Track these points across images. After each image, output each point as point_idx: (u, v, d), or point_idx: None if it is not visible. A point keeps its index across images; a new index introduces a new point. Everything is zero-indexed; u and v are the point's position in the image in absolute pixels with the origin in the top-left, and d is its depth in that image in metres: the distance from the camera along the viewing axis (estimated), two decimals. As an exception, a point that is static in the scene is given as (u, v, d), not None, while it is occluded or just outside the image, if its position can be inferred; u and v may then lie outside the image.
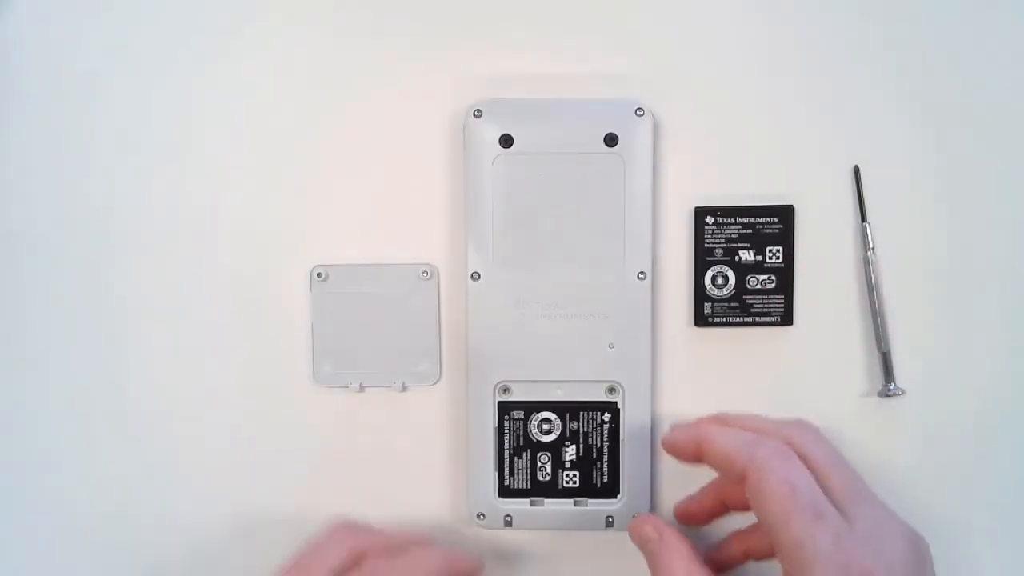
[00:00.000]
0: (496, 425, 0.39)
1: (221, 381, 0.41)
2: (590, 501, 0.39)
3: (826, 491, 0.32)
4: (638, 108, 0.38)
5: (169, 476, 0.41)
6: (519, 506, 0.39)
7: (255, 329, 0.41)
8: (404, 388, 0.40)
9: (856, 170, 0.39)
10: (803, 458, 0.33)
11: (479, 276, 0.39)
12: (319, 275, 0.40)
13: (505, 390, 0.39)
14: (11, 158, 0.41)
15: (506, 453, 0.39)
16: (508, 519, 0.39)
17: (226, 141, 0.40)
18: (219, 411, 0.41)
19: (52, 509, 0.41)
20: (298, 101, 0.40)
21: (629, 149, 0.38)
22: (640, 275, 0.39)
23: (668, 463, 0.40)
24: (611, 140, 0.38)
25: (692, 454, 0.35)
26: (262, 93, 0.40)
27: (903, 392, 0.39)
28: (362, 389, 0.40)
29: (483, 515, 0.39)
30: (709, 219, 0.39)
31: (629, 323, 0.39)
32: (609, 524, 0.39)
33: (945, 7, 0.39)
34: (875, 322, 0.39)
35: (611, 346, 0.39)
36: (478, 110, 0.39)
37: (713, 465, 0.35)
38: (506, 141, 0.38)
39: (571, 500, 0.39)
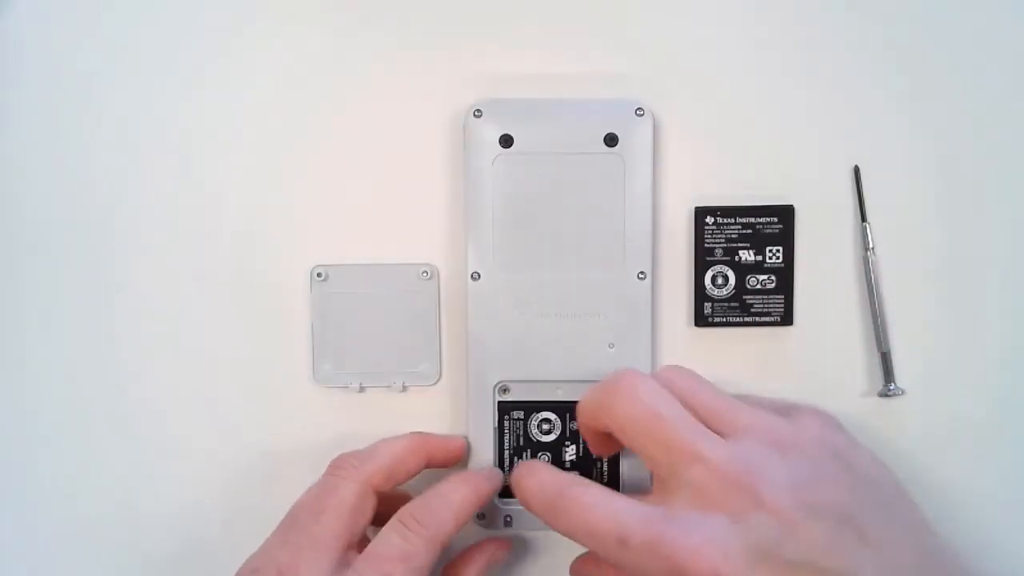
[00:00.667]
0: (496, 425, 0.39)
1: (221, 381, 0.41)
2: None
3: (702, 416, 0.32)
4: (638, 108, 0.38)
5: (168, 475, 0.41)
6: (519, 506, 0.39)
7: (255, 329, 0.41)
8: (404, 388, 0.40)
9: (856, 170, 0.39)
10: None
11: (479, 276, 0.39)
12: (319, 275, 0.40)
13: (505, 390, 0.39)
14: (11, 158, 0.41)
15: (506, 453, 0.39)
16: (508, 519, 0.39)
17: (226, 141, 0.40)
18: (219, 411, 0.41)
19: (51, 507, 0.41)
20: (298, 101, 0.40)
21: (629, 149, 0.38)
22: (640, 275, 0.39)
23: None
24: (611, 140, 0.38)
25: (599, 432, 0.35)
26: (262, 93, 0.40)
27: (903, 392, 0.39)
28: (362, 389, 0.40)
29: (483, 515, 0.39)
30: (709, 219, 0.39)
31: (629, 323, 0.39)
32: None
33: (946, 7, 0.39)
34: (875, 322, 0.39)
35: (611, 346, 0.39)
36: (478, 110, 0.39)
37: (612, 429, 0.34)
38: (506, 141, 0.38)
39: None
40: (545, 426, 0.39)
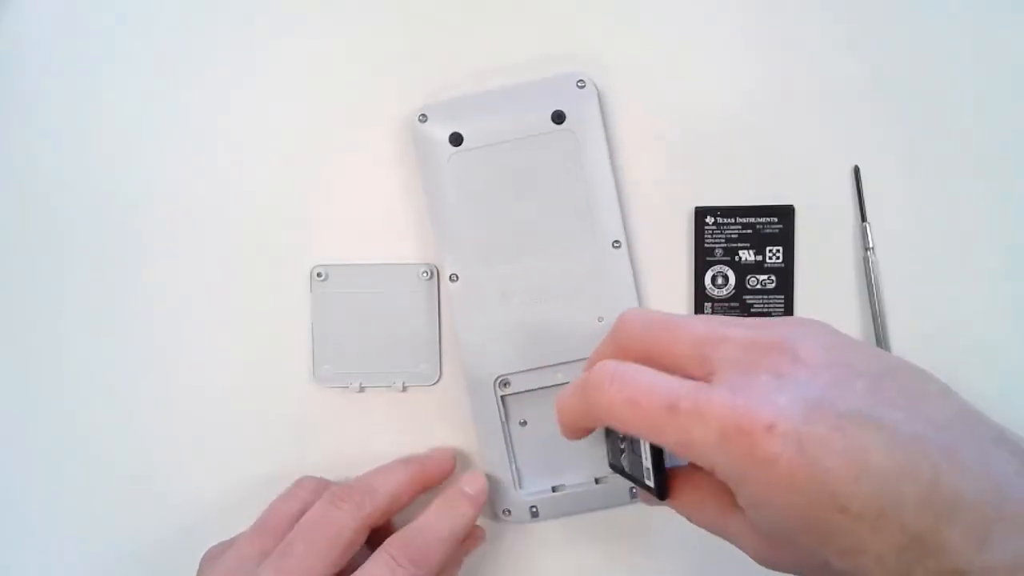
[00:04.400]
0: (503, 420, 0.39)
1: (221, 381, 0.41)
2: (610, 475, 0.38)
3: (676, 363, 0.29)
4: (579, 80, 0.38)
5: (170, 475, 0.41)
6: (542, 495, 0.39)
7: (255, 329, 0.41)
8: (404, 388, 0.40)
9: (856, 170, 0.39)
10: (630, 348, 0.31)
11: (457, 277, 0.38)
12: (319, 275, 0.40)
13: (505, 384, 0.39)
14: (12, 162, 0.41)
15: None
16: (534, 510, 0.39)
17: (225, 143, 0.40)
18: (219, 411, 0.41)
19: (54, 504, 0.41)
20: (296, 102, 0.40)
21: (578, 122, 0.38)
22: (615, 244, 0.38)
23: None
24: (558, 117, 0.38)
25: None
26: (261, 95, 0.40)
27: (903, 392, 0.39)
28: (362, 389, 0.40)
29: (508, 511, 0.39)
30: (709, 219, 0.39)
31: (613, 293, 0.38)
32: (633, 496, 0.39)
33: (946, 7, 0.39)
34: (875, 322, 0.39)
35: (600, 319, 0.38)
36: (422, 115, 0.38)
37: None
38: (456, 139, 0.38)
39: (592, 478, 0.39)
40: None
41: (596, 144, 0.38)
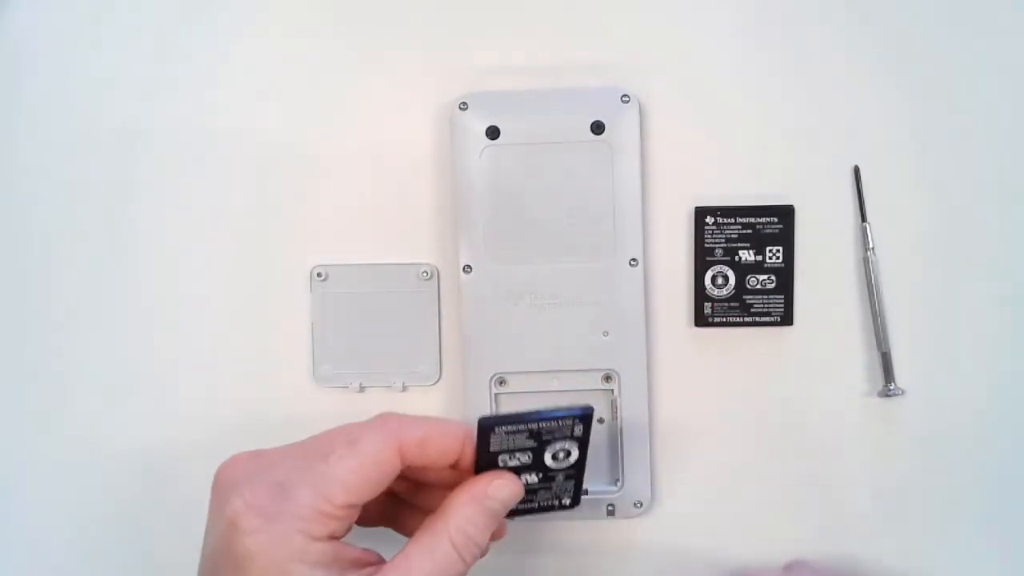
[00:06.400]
0: None
1: (221, 381, 0.41)
2: (591, 490, 0.39)
3: None
4: (624, 95, 0.38)
5: (170, 475, 0.41)
6: None
7: (255, 329, 0.41)
8: (404, 388, 0.40)
9: (856, 170, 0.39)
10: None
11: (471, 269, 0.39)
12: (319, 275, 0.40)
13: (501, 382, 0.39)
14: (13, 160, 0.41)
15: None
16: None
17: (224, 142, 0.40)
18: (219, 410, 0.41)
19: (55, 506, 0.41)
20: (296, 102, 0.40)
21: (616, 136, 0.38)
22: (632, 262, 0.38)
23: (665, 452, 0.40)
24: (598, 128, 0.38)
25: None
26: (261, 94, 0.40)
27: (903, 392, 0.39)
28: (362, 389, 0.40)
29: None
30: (709, 219, 0.39)
31: (623, 310, 0.39)
32: (610, 513, 0.39)
33: (945, 8, 0.39)
34: (875, 322, 0.39)
35: (606, 334, 0.39)
36: (463, 103, 0.38)
37: None
38: (493, 133, 0.38)
39: None
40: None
41: (630, 160, 0.38)
